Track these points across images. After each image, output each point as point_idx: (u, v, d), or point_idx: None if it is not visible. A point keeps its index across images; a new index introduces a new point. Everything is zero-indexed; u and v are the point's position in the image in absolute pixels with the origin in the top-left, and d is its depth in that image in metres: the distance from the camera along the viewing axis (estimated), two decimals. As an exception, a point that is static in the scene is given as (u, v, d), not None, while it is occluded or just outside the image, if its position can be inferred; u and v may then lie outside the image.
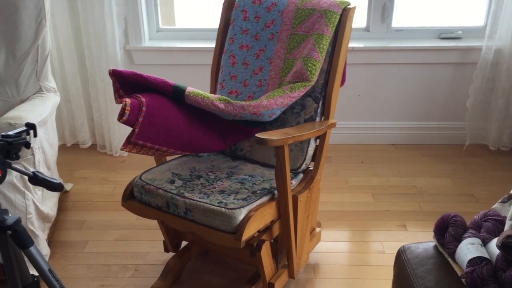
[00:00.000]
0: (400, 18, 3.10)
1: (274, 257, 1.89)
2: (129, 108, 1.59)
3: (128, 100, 1.60)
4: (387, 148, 3.17)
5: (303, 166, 1.93)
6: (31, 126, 1.23)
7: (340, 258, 2.19)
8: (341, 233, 2.36)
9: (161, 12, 3.14)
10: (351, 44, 2.98)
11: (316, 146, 1.96)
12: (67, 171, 2.92)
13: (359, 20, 3.08)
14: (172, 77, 3.02)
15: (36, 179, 1.21)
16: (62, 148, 3.17)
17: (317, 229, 2.18)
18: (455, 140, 3.17)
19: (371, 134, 3.22)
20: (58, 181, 1.27)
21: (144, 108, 1.63)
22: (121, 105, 1.61)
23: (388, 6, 2.99)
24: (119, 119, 1.61)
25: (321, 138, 1.93)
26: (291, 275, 1.93)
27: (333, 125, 1.91)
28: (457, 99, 3.10)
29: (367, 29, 3.09)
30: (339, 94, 3.13)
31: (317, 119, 1.93)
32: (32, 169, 1.97)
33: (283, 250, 1.92)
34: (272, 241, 1.93)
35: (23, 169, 1.88)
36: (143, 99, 1.64)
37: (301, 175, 1.93)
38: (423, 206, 2.56)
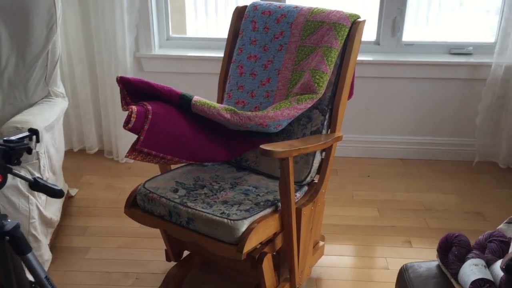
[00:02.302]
0: (411, 32, 3.09)
1: (276, 270, 1.87)
2: (135, 116, 1.59)
3: (134, 108, 1.60)
4: (394, 163, 3.14)
5: (308, 179, 1.91)
6: (34, 132, 1.23)
7: (343, 273, 2.16)
8: (345, 248, 2.33)
9: (173, 21, 3.15)
10: (361, 57, 2.98)
11: (322, 159, 1.94)
12: (73, 176, 2.93)
13: (369, 33, 3.08)
14: (180, 85, 3.03)
15: (37, 185, 1.20)
16: (69, 153, 3.18)
17: (321, 243, 2.16)
18: (464, 156, 3.14)
19: (379, 148, 3.19)
20: (60, 188, 1.26)
21: (150, 116, 1.63)
22: (127, 112, 1.61)
23: (399, 20, 2.98)
24: (124, 126, 1.61)
25: (327, 151, 1.92)
26: (293, 289, 1.91)
27: (339, 138, 1.90)
28: (467, 115, 3.07)
29: (377, 42, 3.08)
30: (347, 107, 3.12)
31: (324, 131, 1.92)
32: (36, 174, 1.98)
33: (285, 263, 1.89)
34: (274, 253, 1.91)
35: (24, 174, 1.88)
36: (149, 107, 1.64)
37: (305, 188, 1.91)
38: (430, 223, 2.52)
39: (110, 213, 2.58)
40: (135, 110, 1.60)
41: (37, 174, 1.98)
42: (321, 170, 1.93)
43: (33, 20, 2.24)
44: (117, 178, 2.94)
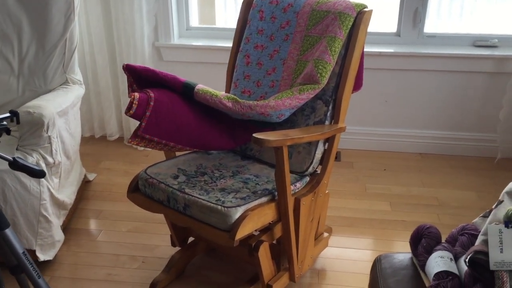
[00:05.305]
0: (433, 24, 3.01)
1: (276, 259, 1.88)
2: (136, 102, 1.63)
3: (136, 95, 1.64)
4: (413, 157, 3.08)
5: (310, 169, 1.90)
6: (14, 113, 1.28)
7: (347, 265, 2.14)
8: (352, 240, 2.31)
9: (203, 12, 3.17)
10: (380, 49, 2.94)
11: (325, 149, 1.93)
12: (93, 161, 3.01)
13: (389, 24, 3.02)
14: (199, 75, 3.07)
15: (17, 165, 1.25)
16: (91, 139, 3.27)
17: (325, 234, 2.15)
18: (486, 152, 3.04)
19: (397, 141, 3.13)
20: (40, 168, 1.30)
21: (152, 103, 1.66)
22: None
23: (421, 11, 2.91)
24: (126, 112, 1.65)
25: (330, 142, 1.90)
26: (292, 278, 1.91)
27: (341, 129, 1.88)
28: (490, 110, 2.98)
29: (397, 34, 3.02)
30: (366, 99, 3.07)
31: (327, 122, 1.90)
32: (48, 158, 2.05)
33: (285, 252, 1.90)
34: (274, 242, 1.92)
35: (33, 158, 1.95)
36: (151, 94, 1.67)
37: (307, 178, 1.91)
38: (442, 219, 2.47)
39: (124, 198, 2.61)
40: (137, 97, 1.64)
41: (49, 158, 2.05)
42: (324, 161, 1.92)
43: (51, 9, 2.32)
44: (134, 165, 3.01)
